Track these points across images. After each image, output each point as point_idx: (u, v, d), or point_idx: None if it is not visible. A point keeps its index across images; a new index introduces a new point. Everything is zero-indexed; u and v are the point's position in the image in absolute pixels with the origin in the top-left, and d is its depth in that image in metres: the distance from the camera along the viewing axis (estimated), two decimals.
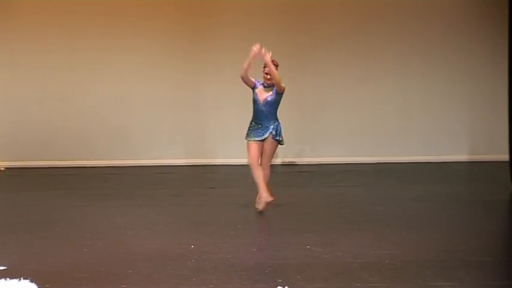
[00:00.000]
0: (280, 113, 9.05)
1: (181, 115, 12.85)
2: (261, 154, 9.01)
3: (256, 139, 8.94)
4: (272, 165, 9.29)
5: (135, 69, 12.69)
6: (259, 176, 8.89)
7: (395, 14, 12.89)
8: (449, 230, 8.15)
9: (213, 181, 11.44)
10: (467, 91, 13.04)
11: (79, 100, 12.66)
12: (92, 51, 12.56)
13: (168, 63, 12.74)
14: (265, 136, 8.95)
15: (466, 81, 13.05)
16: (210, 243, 7.48)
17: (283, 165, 12.38)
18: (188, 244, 7.40)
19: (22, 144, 12.53)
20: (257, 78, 9.04)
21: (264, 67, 8.92)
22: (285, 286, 5.98)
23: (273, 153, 9.08)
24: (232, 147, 12.38)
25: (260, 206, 8.92)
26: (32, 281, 5.90)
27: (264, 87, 8.96)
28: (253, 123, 9.02)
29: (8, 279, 5.95)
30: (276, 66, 8.90)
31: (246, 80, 8.95)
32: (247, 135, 9.02)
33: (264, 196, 8.83)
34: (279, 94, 8.91)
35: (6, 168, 12.47)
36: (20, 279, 5.92)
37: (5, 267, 6.52)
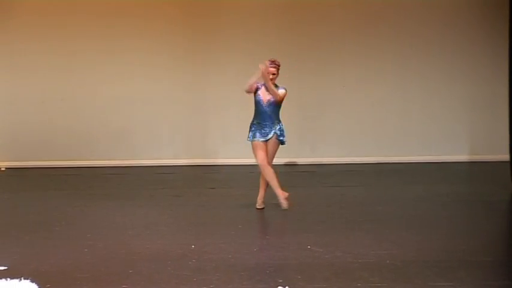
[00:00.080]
0: (281, 113, 9.06)
1: (182, 115, 12.86)
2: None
3: (261, 139, 8.95)
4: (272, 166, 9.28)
5: (136, 70, 12.70)
6: (273, 174, 8.96)
7: (396, 15, 12.89)
8: (449, 230, 8.15)
9: (213, 181, 11.44)
10: (468, 91, 13.04)
11: (80, 100, 12.66)
12: (92, 52, 12.56)
13: (169, 64, 12.75)
14: (270, 136, 8.98)
15: (466, 81, 13.05)
16: (210, 243, 7.48)
17: (283, 165, 12.38)
18: (189, 244, 7.41)
19: (23, 144, 12.53)
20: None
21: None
22: (285, 286, 5.99)
23: (275, 153, 9.11)
24: (233, 148, 12.39)
25: (284, 204, 8.95)
26: (32, 281, 5.91)
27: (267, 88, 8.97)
28: (256, 123, 9.01)
29: (8, 279, 5.96)
30: (278, 66, 8.90)
31: (249, 91, 8.96)
32: (252, 136, 9.01)
33: (281, 194, 8.94)
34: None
35: (6, 168, 12.47)
36: (21, 280, 5.93)
37: (5, 267, 6.52)
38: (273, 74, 8.89)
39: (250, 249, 7.38)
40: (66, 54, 12.57)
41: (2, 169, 12.44)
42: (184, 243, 7.45)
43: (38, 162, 12.46)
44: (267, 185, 9.10)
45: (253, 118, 9.06)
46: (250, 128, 9.04)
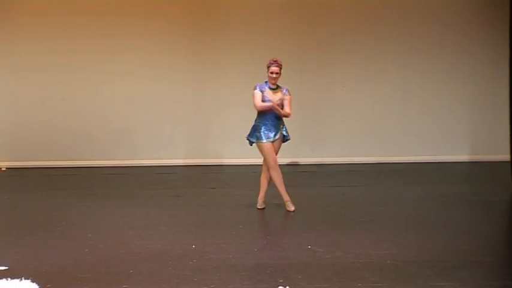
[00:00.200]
0: None
1: (182, 115, 12.85)
2: None
3: (269, 140, 8.95)
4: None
5: (136, 70, 12.69)
6: (281, 177, 9.02)
7: (396, 15, 12.89)
8: (450, 230, 8.15)
9: (214, 181, 11.44)
10: (468, 91, 13.04)
11: (80, 100, 12.66)
12: (93, 52, 12.55)
13: (169, 63, 12.74)
14: (277, 137, 9.00)
15: (467, 81, 13.05)
16: (211, 243, 7.48)
17: (283, 165, 12.38)
18: (189, 244, 7.41)
19: (23, 144, 12.53)
20: (256, 81, 9.07)
21: (269, 66, 8.90)
22: (286, 286, 5.99)
23: (279, 151, 9.14)
24: (233, 148, 12.39)
25: (291, 207, 9.02)
26: (33, 281, 5.91)
27: (270, 89, 8.96)
28: (263, 124, 8.97)
29: (9, 279, 5.96)
30: (280, 66, 8.90)
31: (261, 108, 8.95)
32: (259, 137, 8.97)
33: (286, 197, 9.03)
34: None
35: (7, 168, 12.47)
36: (22, 280, 5.93)
37: (6, 268, 6.53)
38: (276, 74, 8.89)
39: (251, 249, 7.38)
40: (66, 54, 12.57)
41: (3, 169, 12.45)
42: (185, 243, 7.45)
43: (38, 162, 12.46)
44: (268, 185, 9.11)
45: (259, 119, 9.00)
46: (257, 129, 8.99)
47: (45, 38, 12.52)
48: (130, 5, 12.59)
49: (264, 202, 9.17)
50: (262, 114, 8.96)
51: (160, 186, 10.98)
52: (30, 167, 12.39)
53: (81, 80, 12.63)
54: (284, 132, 9.05)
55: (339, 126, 12.97)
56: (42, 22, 12.52)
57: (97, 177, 11.79)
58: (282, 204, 9.08)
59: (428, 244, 7.48)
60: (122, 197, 10.13)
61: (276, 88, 8.97)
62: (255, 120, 9.04)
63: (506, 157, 11.05)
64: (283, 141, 9.12)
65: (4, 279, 5.94)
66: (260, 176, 9.18)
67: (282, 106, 8.93)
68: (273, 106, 8.84)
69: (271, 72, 8.88)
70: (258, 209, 9.14)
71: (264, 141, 8.95)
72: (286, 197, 9.07)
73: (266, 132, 8.95)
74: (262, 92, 8.91)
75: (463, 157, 12.94)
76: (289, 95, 9.00)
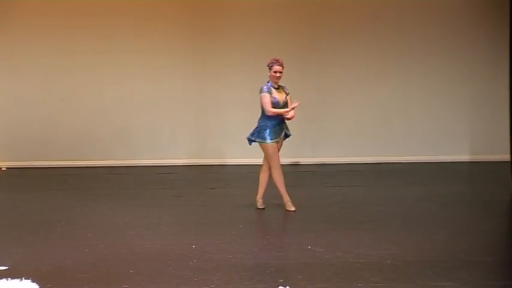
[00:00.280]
0: None
1: (182, 115, 12.85)
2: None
3: (274, 141, 8.97)
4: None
5: (136, 70, 12.68)
6: (283, 178, 9.02)
7: (396, 16, 12.87)
8: (450, 230, 8.15)
9: (214, 181, 11.44)
10: (468, 91, 13.03)
11: (80, 100, 12.65)
12: (93, 52, 12.55)
13: (169, 64, 12.74)
14: (282, 135, 9.05)
15: (467, 81, 13.04)
16: (211, 243, 7.49)
17: (285, 165, 12.37)
18: (189, 244, 7.42)
19: (23, 144, 12.53)
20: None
21: (271, 66, 8.89)
22: (286, 286, 5.99)
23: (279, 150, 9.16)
24: (233, 148, 12.39)
25: (291, 207, 9.03)
26: (33, 281, 5.90)
27: (275, 88, 8.96)
28: (268, 125, 8.93)
29: (9, 279, 5.96)
30: (282, 65, 8.90)
31: (272, 113, 8.93)
32: (264, 137, 8.93)
33: (287, 197, 9.05)
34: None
35: (7, 168, 12.46)
36: (22, 280, 5.93)
37: (6, 267, 6.54)
38: (280, 73, 8.89)
39: (251, 249, 7.39)
40: (66, 54, 12.56)
41: (3, 169, 12.44)
42: (185, 243, 7.46)
43: (38, 162, 12.46)
44: (267, 183, 9.11)
45: (266, 121, 8.93)
46: (262, 130, 8.95)
47: (46, 39, 12.52)
48: (129, 6, 12.58)
49: (264, 202, 9.17)
50: (269, 115, 8.94)
51: (160, 186, 10.98)
52: (30, 167, 12.38)
53: (82, 80, 12.62)
54: (286, 131, 9.09)
55: (339, 127, 12.97)
56: (42, 23, 12.51)
57: (97, 177, 11.79)
58: (282, 205, 9.08)
59: (428, 244, 7.48)
60: (122, 197, 10.13)
61: (278, 88, 8.98)
62: (261, 121, 8.99)
63: (506, 157, 11.05)
64: (285, 138, 9.14)
65: (4, 279, 5.94)
66: (259, 174, 9.18)
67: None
68: (284, 112, 8.84)
69: (275, 72, 8.87)
70: (258, 209, 9.14)
71: (270, 142, 8.94)
72: (286, 198, 9.07)
73: (272, 132, 8.95)
74: (270, 93, 8.90)
75: (463, 157, 12.93)
76: (288, 93, 9.04)
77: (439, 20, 12.93)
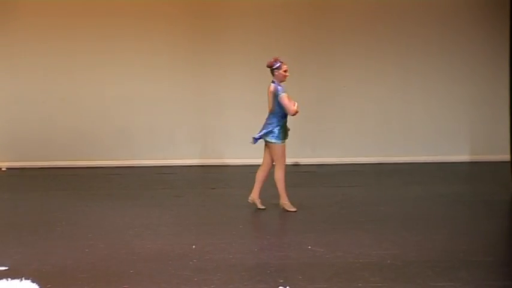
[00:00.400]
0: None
1: (182, 115, 12.85)
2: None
3: (284, 141, 9.02)
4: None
5: (136, 70, 12.68)
6: (284, 179, 9.03)
7: (395, 16, 12.87)
8: (450, 230, 8.16)
9: (214, 181, 11.44)
10: (468, 91, 13.03)
11: (80, 100, 12.65)
12: (93, 52, 12.54)
13: (169, 64, 12.74)
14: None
15: (466, 81, 13.04)
16: (211, 243, 7.49)
17: (289, 165, 12.38)
18: (190, 244, 7.42)
19: (23, 144, 12.52)
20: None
21: (279, 66, 8.89)
22: (286, 286, 6.00)
23: None
24: (233, 148, 12.39)
25: (291, 208, 9.04)
26: (33, 281, 5.91)
27: None
28: (279, 126, 8.92)
29: (9, 279, 5.96)
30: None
31: (294, 111, 8.95)
32: (276, 138, 8.93)
33: (285, 198, 9.06)
34: None
35: (7, 168, 12.46)
36: (22, 280, 5.93)
37: (6, 268, 6.54)
38: (286, 71, 8.91)
39: (251, 249, 7.39)
40: (66, 54, 12.56)
41: (3, 169, 12.44)
42: (185, 243, 7.46)
43: (38, 162, 12.45)
44: (264, 182, 9.11)
45: (278, 121, 8.91)
46: (273, 130, 8.93)
47: (46, 39, 12.52)
48: (129, 6, 12.58)
49: (261, 203, 9.14)
50: (282, 116, 8.93)
51: (160, 186, 10.98)
52: (30, 167, 12.38)
53: (82, 80, 12.62)
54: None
55: (339, 127, 12.96)
56: (42, 23, 12.51)
57: (97, 177, 11.79)
58: (287, 207, 9.07)
59: (428, 244, 7.48)
60: (123, 197, 10.13)
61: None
62: (272, 122, 8.94)
63: (506, 157, 11.05)
64: None
65: (4, 279, 5.94)
66: (257, 172, 9.19)
67: None
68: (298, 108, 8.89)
69: (285, 71, 8.91)
70: (258, 209, 9.14)
71: (281, 142, 8.95)
72: (284, 199, 9.05)
73: (282, 133, 8.96)
74: (285, 92, 8.90)
75: (463, 157, 12.92)
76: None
77: (438, 20, 12.93)
